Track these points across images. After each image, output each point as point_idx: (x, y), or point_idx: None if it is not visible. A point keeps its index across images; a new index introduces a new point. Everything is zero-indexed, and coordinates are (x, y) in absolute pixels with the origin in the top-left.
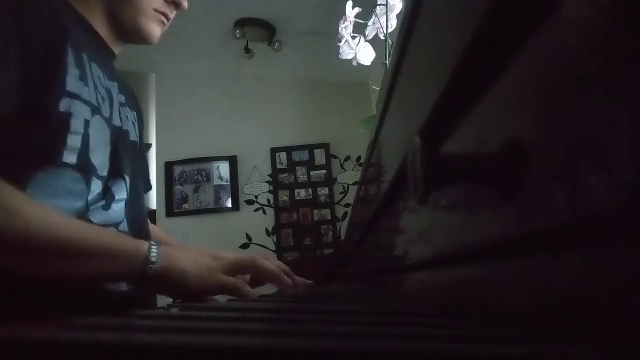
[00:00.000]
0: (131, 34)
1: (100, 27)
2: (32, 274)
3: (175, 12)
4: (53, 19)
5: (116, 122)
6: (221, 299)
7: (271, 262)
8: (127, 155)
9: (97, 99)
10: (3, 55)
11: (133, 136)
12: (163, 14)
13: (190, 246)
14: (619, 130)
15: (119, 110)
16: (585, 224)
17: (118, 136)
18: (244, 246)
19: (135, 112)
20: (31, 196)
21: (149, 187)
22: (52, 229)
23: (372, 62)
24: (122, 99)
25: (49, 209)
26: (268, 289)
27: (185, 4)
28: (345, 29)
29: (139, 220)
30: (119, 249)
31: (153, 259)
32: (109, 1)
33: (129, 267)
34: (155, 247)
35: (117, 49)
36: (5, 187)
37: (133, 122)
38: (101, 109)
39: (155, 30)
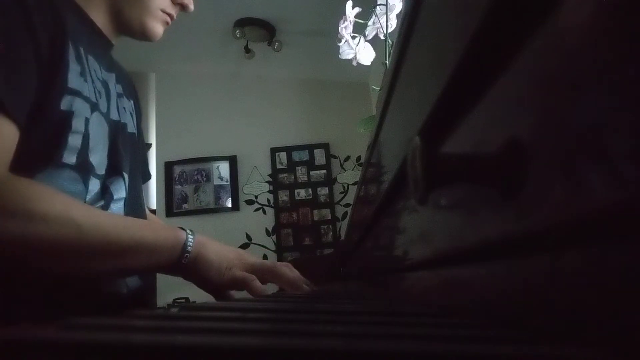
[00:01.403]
0: (135, 31)
1: (99, 18)
2: (85, 274)
3: (179, 12)
4: (54, 13)
5: (114, 115)
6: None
7: (292, 272)
8: (126, 150)
9: (95, 94)
10: (20, 62)
11: (131, 128)
12: (169, 14)
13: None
14: (619, 129)
15: (117, 103)
16: (585, 224)
17: (116, 131)
18: (244, 246)
19: (132, 101)
20: None
21: (149, 177)
22: (102, 230)
23: (372, 62)
24: (120, 89)
25: (94, 209)
26: (273, 287)
27: (192, 7)
28: (345, 29)
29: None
30: (163, 241)
31: (189, 248)
32: None
33: (170, 257)
34: (192, 237)
35: (114, 39)
36: (51, 193)
37: (131, 113)
38: (99, 104)
39: (159, 29)
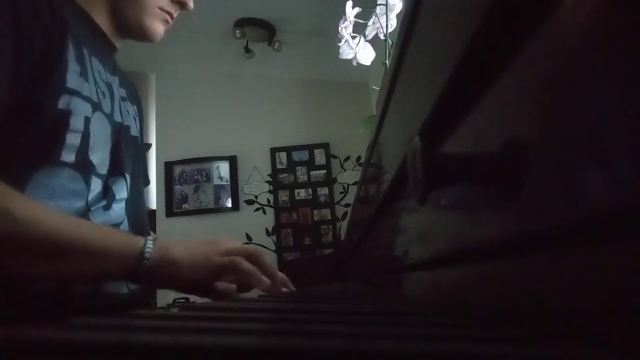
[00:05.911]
0: (134, 31)
1: (102, 21)
2: (23, 275)
3: (179, 11)
4: (52, 12)
5: (117, 117)
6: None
7: (270, 263)
8: (128, 152)
9: (97, 94)
10: None
11: (134, 131)
12: (168, 12)
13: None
14: (618, 130)
15: (120, 105)
16: (585, 224)
17: (119, 132)
18: None
19: (135, 106)
20: (30, 197)
21: (148, 182)
22: (43, 226)
23: (372, 62)
24: (123, 93)
25: (40, 205)
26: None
27: (191, 4)
28: (345, 29)
29: (139, 219)
30: (114, 247)
31: (147, 255)
32: None
33: (123, 265)
34: (151, 242)
35: (118, 43)
36: None
37: (134, 117)
38: (102, 104)
39: (158, 28)
